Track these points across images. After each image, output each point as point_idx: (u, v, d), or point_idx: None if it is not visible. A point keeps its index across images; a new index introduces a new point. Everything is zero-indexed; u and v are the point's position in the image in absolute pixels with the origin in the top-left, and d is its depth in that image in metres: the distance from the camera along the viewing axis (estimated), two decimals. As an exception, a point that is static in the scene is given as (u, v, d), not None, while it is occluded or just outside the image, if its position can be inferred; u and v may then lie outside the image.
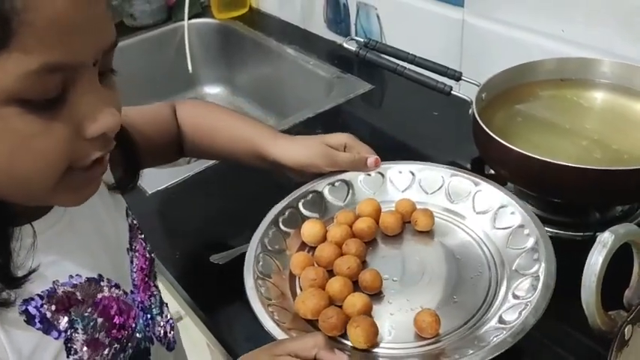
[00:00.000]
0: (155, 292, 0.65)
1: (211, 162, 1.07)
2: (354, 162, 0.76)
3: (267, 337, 0.59)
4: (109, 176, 0.62)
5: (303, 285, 0.65)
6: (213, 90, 1.62)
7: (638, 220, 0.78)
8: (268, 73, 1.50)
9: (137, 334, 0.57)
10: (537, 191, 0.76)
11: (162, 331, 0.64)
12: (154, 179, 1.06)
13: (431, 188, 0.76)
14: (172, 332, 0.67)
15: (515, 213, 0.69)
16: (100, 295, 0.52)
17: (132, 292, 0.59)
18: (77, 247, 0.52)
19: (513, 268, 0.64)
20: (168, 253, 0.89)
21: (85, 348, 0.50)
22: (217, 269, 0.79)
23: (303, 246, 0.73)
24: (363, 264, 0.69)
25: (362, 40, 0.92)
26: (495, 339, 0.55)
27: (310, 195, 0.76)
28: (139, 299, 0.60)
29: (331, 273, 0.67)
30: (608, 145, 0.77)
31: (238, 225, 0.90)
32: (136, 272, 0.61)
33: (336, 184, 0.77)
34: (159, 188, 1.04)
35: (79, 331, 0.50)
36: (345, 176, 0.77)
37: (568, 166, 0.67)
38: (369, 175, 0.77)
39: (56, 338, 0.48)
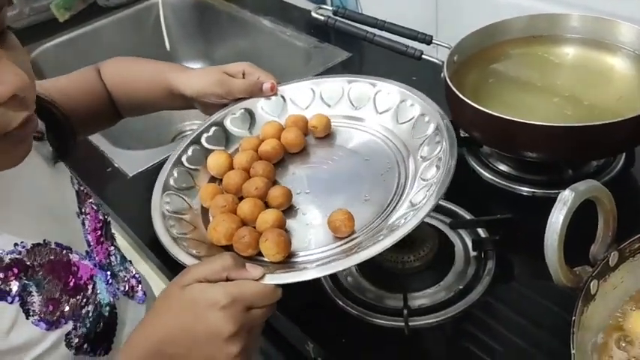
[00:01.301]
0: (113, 252, 0.67)
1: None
2: (250, 87, 0.76)
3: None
4: (46, 150, 0.63)
5: (214, 214, 0.64)
6: (192, 66, 1.59)
7: (612, 175, 0.78)
8: (246, 45, 1.49)
9: (97, 291, 0.59)
10: (510, 151, 0.76)
11: (126, 286, 0.67)
12: (134, 162, 1.06)
13: (332, 100, 0.76)
14: (140, 286, 0.70)
15: (414, 104, 0.70)
16: (48, 258, 0.54)
17: (87, 252, 0.61)
18: (17, 216, 0.54)
19: (419, 157, 0.66)
20: (153, 236, 0.90)
21: (43, 308, 0.52)
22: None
23: (212, 180, 0.71)
24: (273, 185, 0.68)
25: (331, 8, 0.90)
26: (405, 220, 0.56)
27: (212, 129, 0.75)
28: (97, 259, 0.63)
29: (241, 199, 0.65)
30: (579, 101, 0.77)
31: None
32: (90, 234, 0.63)
33: (237, 113, 0.76)
34: (139, 170, 1.04)
35: (34, 293, 0.51)
36: (246, 104, 0.77)
37: (537, 124, 0.67)
38: (269, 99, 0.77)
39: (11, 303, 0.50)
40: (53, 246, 0.56)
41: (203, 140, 0.74)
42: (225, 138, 0.75)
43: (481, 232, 0.73)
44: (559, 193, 0.74)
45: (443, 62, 0.79)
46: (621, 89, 0.79)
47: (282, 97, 0.78)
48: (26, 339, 0.50)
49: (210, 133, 0.74)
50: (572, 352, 0.44)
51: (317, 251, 0.60)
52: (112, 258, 0.67)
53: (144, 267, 1.00)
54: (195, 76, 0.77)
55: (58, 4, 1.51)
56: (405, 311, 0.63)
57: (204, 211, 0.67)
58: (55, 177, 0.63)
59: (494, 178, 0.81)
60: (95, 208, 0.68)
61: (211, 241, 0.61)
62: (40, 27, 1.52)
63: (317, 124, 0.73)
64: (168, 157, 1.04)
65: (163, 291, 0.53)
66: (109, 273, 0.64)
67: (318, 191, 0.67)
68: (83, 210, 0.65)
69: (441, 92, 0.81)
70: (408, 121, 0.70)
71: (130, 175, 1.04)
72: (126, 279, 0.68)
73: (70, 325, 0.55)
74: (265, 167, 0.68)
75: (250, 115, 0.77)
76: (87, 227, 0.64)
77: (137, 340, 0.51)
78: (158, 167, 1.03)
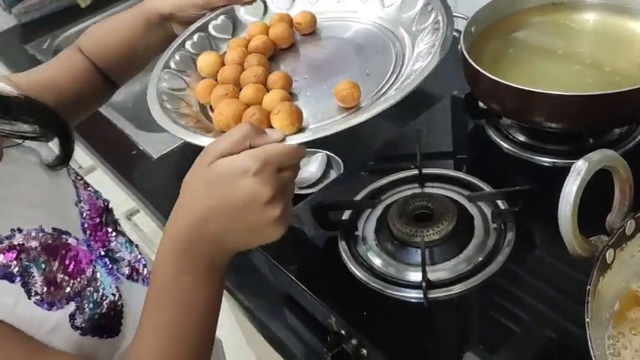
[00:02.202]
0: (113, 237, 0.68)
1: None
2: None
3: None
4: (43, 153, 0.64)
5: (216, 103, 0.61)
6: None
7: (635, 142, 0.77)
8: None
9: (97, 275, 0.61)
10: (529, 122, 0.76)
11: (130, 270, 0.68)
12: (159, 144, 1.08)
13: None
14: (146, 269, 0.71)
15: None
16: (46, 242, 0.56)
17: (84, 239, 0.63)
18: (13, 207, 0.55)
19: (414, 29, 0.65)
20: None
21: (44, 288, 0.53)
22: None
23: None
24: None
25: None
26: (411, 79, 0.56)
27: (196, 35, 0.73)
28: (96, 246, 0.64)
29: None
30: (600, 68, 0.76)
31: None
32: (88, 221, 0.65)
33: (219, 19, 0.75)
34: (164, 152, 1.06)
35: (35, 274, 0.53)
36: (226, 10, 0.75)
37: (556, 94, 0.66)
38: (250, 5, 0.75)
39: (12, 282, 0.51)
40: (50, 231, 0.57)
41: (188, 46, 0.72)
42: (210, 44, 0.74)
43: (500, 203, 0.73)
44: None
45: (458, 34, 0.78)
46: (643, 55, 0.77)
47: (263, 1, 0.77)
48: (29, 319, 0.52)
49: (195, 39, 0.73)
50: (587, 320, 0.44)
51: (327, 122, 0.58)
52: (113, 243, 0.68)
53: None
54: None
55: (81, -10, 1.53)
56: (424, 284, 0.64)
57: (202, 109, 0.65)
58: (52, 172, 0.64)
59: (515, 150, 0.80)
60: (94, 195, 0.69)
61: (218, 128, 0.59)
62: (63, 13, 1.55)
63: (301, 21, 0.72)
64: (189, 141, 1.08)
65: (187, 178, 0.51)
66: (107, 260, 0.65)
67: (317, 75, 0.66)
68: (81, 198, 0.66)
69: (460, 64, 0.81)
70: (394, 2, 0.69)
71: (155, 157, 1.06)
72: (130, 263, 0.69)
73: (72, 306, 0.56)
74: (260, 59, 0.66)
75: (233, 19, 0.76)
76: (85, 215, 0.65)
77: (173, 232, 0.50)
78: (183, 148, 1.07)
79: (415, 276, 0.67)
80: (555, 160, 0.77)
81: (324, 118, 0.59)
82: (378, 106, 0.54)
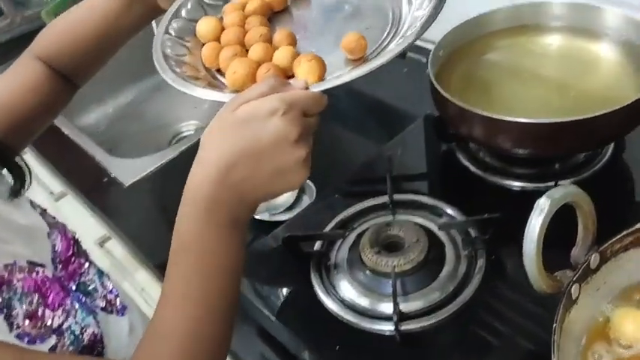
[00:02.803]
0: (85, 269, 0.67)
1: (184, 148, 1.08)
2: None
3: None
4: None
5: (225, 65, 0.61)
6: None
7: (602, 164, 0.78)
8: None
9: (75, 307, 0.60)
10: (497, 148, 0.76)
11: (104, 302, 0.67)
12: (131, 170, 1.07)
13: None
14: (118, 299, 0.70)
15: None
16: (24, 275, 0.55)
17: (56, 272, 0.62)
18: None
19: None
20: (150, 245, 0.91)
21: (26, 322, 0.52)
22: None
23: None
24: None
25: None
26: (415, 27, 0.57)
27: (190, 3, 0.72)
28: (67, 278, 0.64)
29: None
30: (566, 92, 0.76)
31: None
32: (60, 254, 0.64)
33: None
34: (136, 179, 1.05)
35: (17, 307, 0.52)
36: None
37: (522, 122, 0.67)
38: None
39: None
40: (25, 264, 0.56)
41: (184, 14, 0.71)
42: (204, 11, 0.72)
43: (471, 230, 0.73)
44: (548, 187, 0.76)
45: (424, 59, 0.78)
46: (608, 77, 0.78)
47: None
48: None
49: (189, 6, 0.72)
50: (553, 359, 0.44)
51: (340, 73, 0.58)
52: (85, 276, 0.67)
53: (144, 276, 1.02)
54: None
55: (49, 12, 1.51)
56: (396, 317, 0.64)
57: (210, 73, 0.65)
58: (17, 203, 0.64)
59: (484, 174, 0.81)
60: (63, 228, 0.68)
61: (232, 88, 0.58)
62: (33, 35, 1.52)
63: None
64: (165, 163, 1.07)
65: (208, 130, 0.50)
66: (79, 294, 0.64)
67: (318, 33, 0.66)
68: (51, 231, 0.65)
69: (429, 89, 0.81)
70: None
71: (127, 184, 1.05)
72: (103, 294, 0.69)
73: (53, 340, 0.55)
74: (261, 20, 0.66)
75: None
76: (57, 248, 0.65)
77: (195, 188, 0.48)
78: (154, 175, 1.06)
79: (388, 307, 0.67)
80: (524, 184, 0.78)
81: (334, 71, 0.59)
82: (388, 53, 0.55)
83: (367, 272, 0.71)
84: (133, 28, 0.73)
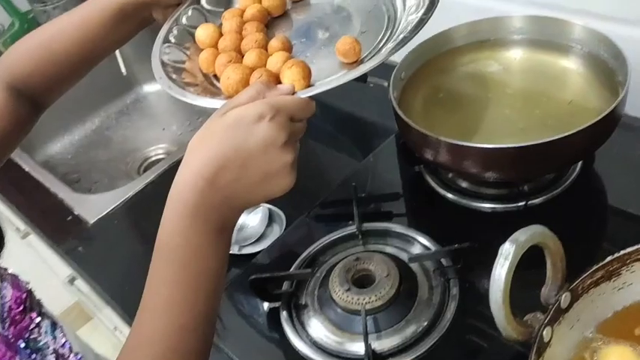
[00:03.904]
0: (36, 323, 0.64)
1: (150, 178, 1.05)
2: None
3: None
4: None
5: (220, 71, 0.61)
6: (152, 87, 1.57)
7: (570, 180, 0.76)
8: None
9: None
10: (462, 173, 0.75)
11: (55, 357, 0.64)
12: (96, 206, 1.04)
13: None
14: (72, 354, 0.67)
15: None
16: None
17: (3, 330, 0.59)
18: None
19: (407, 2, 0.65)
20: (118, 286, 0.88)
21: None
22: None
23: None
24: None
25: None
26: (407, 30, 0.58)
27: (190, 10, 0.71)
28: (15, 336, 0.60)
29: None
30: (531, 111, 0.75)
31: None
32: (7, 310, 0.61)
33: None
34: (100, 216, 1.02)
35: None
36: None
37: (485, 147, 0.65)
38: None
39: None
40: None
41: (184, 20, 0.71)
42: (204, 18, 0.72)
43: (443, 260, 0.71)
44: (518, 206, 0.74)
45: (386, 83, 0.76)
46: (572, 91, 0.76)
47: None
48: None
49: (189, 13, 0.71)
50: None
51: (331, 78, 0.58)
52: (35, 332, 0.63)
53: (116, 317, 0.99)
54: None
55: (6, 41, 1.48)
56: (367, 358, 0.62)
57: (207, 80, 0.65)
58: None
59: (454, 196, 0.79)
60: (16, 280, 0.64)
61: (226, 94, 0.58)
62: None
63: None
64: (130, 197, 1.04)
65: (196, 137, 0.49)
66: (29, 351, 0.61)
67: (314, 38, 0.66)
68: (3, 284, 0.62)
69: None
70: None
71: (91, 222, 1.01)
72: (54, 349, 0.65)
73: None
74: (258, 26, 0.66)
75: None
76: (6, 303, 0.61)
77: (180, 194, 0.47)
78: (119, 211, 1.02)
79: (361, 347, 0.65)
80: (494, 206, 0.76)
81: (328, 76, 0.59)
82: (380, 56, 0.56)
83: (338, 310, 0.68)
84: (123, 40, 0.72)
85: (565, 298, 0.49)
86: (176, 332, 0.47)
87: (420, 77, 0.81)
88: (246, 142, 0.47)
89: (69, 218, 1.04)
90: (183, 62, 0.66)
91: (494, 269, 0.46)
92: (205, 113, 1.50)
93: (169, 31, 0.69)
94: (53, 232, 1.04)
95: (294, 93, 0.53)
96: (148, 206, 1.01)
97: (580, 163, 0.78)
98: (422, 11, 0.60)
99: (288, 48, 0.63)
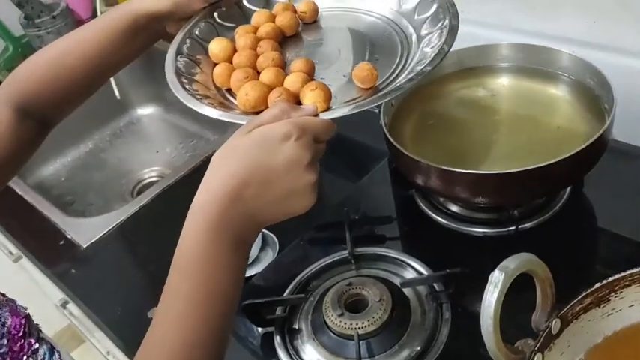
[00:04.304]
0: (34, 349, 0.63)
1: (143, 202, 1.05)
2: None
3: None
4: None
5: (237, 86, 0.62)
6: (145, 110, 1.58)
7: (561, 204, 0.78)
8: (196, 85, 1.47)
9: None
10: (452, 198, 0.76)
11: None
12: (89, 230, 1.04)
13: None
14: None
15: None
16: None
17: (2, 353, 0.58)
18: None
19: (416, 18, 0.67)
20: (110, 310, 0.88)
21: None
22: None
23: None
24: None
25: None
26: (423, 64, 0.59)
27: (203, 23, 0.71)
28: (12, 358, 0.60)
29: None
30: (519, 137, 0.76)
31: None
32: (7, 332, 0.60)
33: (224, 7, 0.73)
34: (93, 240, 1.02)
35: None
36: (230, 5, 0.74)
37: (473, 174, 0.66)
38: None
39: None
40: None
41: (197, 33, 0.70)
42: (216, 32, 0.72)
43: (435, 284, 0.72)
44: (509, 230, 0.75)
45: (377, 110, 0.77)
46: (559, 117, 0.78)
47: None
48: None
49: (202, 26, 0.71)
50: None
51: (354, 104, 0.58)
52: (34, 357, 0.62)
53: (108, 341, 0.98)
54: None
55: (-1, 66, 1.48)
56: (361, 386, 0.62)
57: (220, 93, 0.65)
58: None
59: (444, 220, 0.80)
60: (14, 305, 0.64)
61: (243, 110, 0.59)
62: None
63: (306, 9, 0.71)
64: (123, 220, 1.04)
65: (220, 152, 0.50)
66: None
67: (327, 62, 0.67)
68: (2, 310, 0.61)
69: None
70: (414, 6, 0.69)
71: (84, 245, 1.01)
72: None
73: None
74: (273, 44, 0.67)
75: (239, 7, 0.75)
76: (7, 327, 0.60)
77: (204, 205, 0.48)
78: (112, 235, 1.02)
79: (354, 374, 0.65)
80: (485, 230, 0.77)
81: (343, 99, 0.60)
82: (402, 86, 0.57)
83: (332, 335, 0.69)
84: (135, 54, 0.72)
85: (555, 324, 0.50)
86: (187, 348, 0.47)
87: (411, 104, 0.83)
88: (271, 160, 0.48)
89: (62, 242, 1.04)
90: (195, 74, 0.66)
91: (484, 297, 0.46)
92: (198, 137, 1.51)
93: (182, 42, 0.69)
94: (46, 255, 1.04)
95: (316, 114, 0.54)
96: (140, 230, 1.01)
97: (569, 188, 0.79)
98: (441, 41, 0.61)
99: (311, 69, 0.64)
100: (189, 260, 0.48)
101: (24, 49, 1.51)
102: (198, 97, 0.61)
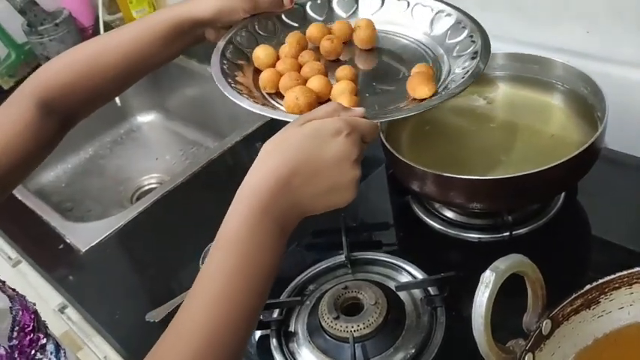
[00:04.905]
0: (41, 344, 0.63)
1: (143, 207, 1.06)
2: (273, 1, 0.74)
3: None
4: None
5: (286, 90, 0.64)
6: (146, 118, 1.59)
7: (555, 210, 0.79)
8: (197, 94, 1.48)
9: None
10: (447, 203, 0.77)
11: None
12: (88, 235, 1.04)
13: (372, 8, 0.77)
14: None
15: (451, 14, 0.72)
16: None
17: (12, 352, 0.58)
18: None
19: (454, 55, 0.70)
20: (109, 314, 0.88)
21: None
22: (156, 326, 0.79)
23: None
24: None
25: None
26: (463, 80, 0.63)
27: (244, 32, 0.73)
28: (20, 351, 0.60)
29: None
30: (513, 144, 0.77)
31: (173, 272, 0.90)
32: (18, 330, 0.60)
33: (263, 21, 0.75)
34: (92, 244, 1.02)
35: None
36: (269, 17, 0.75)
37: (467, 179, 0.68)
38: (289, 10, 0.76)
39: None
40: None
41: (238, 39, 0.72)
42: (256, 41, 0.73)
43: (430, 288, 0.72)
44: (504, 236, 0.76)
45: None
46: (553, 125, 0.79)
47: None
48: None
49: (243, 34, 0.73)
50: None
51: (399, 115, 0.62)
52: (42, 353, 0.62)
53: (106, 346, 0.99)
54: None
55: (2, 72, 1.49)
56: (357, 388, 0.63)
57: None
58: None
59: (440, 226, 0.81)
60: (24, 300, 0.65)
61: (289, 112, 0.62)
62: (-15, 97, 1.50)
63: (365, 37, 0.72)
64: (122, 225, 1.05)
65: (272, 141, 0.52)
66: None
67: (369, 75, 0.70)
68: (14, 304, 0.62)
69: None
70: (444, 30, 0.72)
71: (84, 250, 1.02)
72: None
73: None
74: (314, 55, 0.69)
75: (279, 20, 0.77)
76: (17, 322, 0.61)
77: (254, 189, 0.49)
78: (111, 240, 1.03)
79: (349, 376, 0.66)
80: (480, 236, 0.78)
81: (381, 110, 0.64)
82: (443, 96, 0.62)
83: (327, 338, 0.69)
84: (172, 56, 0.73)
85: (546, 325, 0.51)
86: (220, 329, 0.47)
87: (408, 111, 0.84)
88: (322, 152, 0.50)
89: (61, 246, 1.05)
90: (237, 76, 0.68)
91: (475, 296, 0.47)
92: (198, 144, 1.52)
93: (226, 47, 0.71)
94: (45, 260, 1.05)
95: (364, 117, 0.56)
96: (139, 235, 1.02)
97: (563, 195, 0.80)
98: (475, 61, 0.64)
99: (353, 73, 0.67)
100: (235, 239, 0.49)
101: (26, 56, 1.53)
102: (244, 95, 0.64)
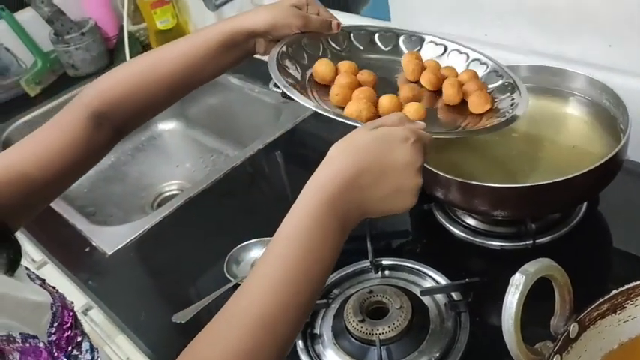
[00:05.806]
0: (78, 341, 0.64)
1: (167, 212, 1.08)
2: (323, 23, 0.76)
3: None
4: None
5: (350, 99, 0.67)
6: (167, 126, 1.62)
7: (577, 220, 0.80)
8: (218, 103, 1.51)
9: None
10: (471, 211, 0.78)
11: None
12: (113, 238, 1.06)
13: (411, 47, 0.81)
14: None
15: (486, 63, 0.77)
16: (18, 346, 0.52)
17: (49, 345, 0.59)
18: None
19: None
20: (134, 315, 0.90)
21: None
22: (181, 328, 0.81)
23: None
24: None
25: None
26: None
27: (294, 45, 0.75)
28: (58, 346, 0.61)
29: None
30: (534, 154, 0.79)
31: (195, 277, 0.92)
32: (57, 325, 0.61)
33: (310, 40, 0.77)
34: (117, 248, 1.04)
35: None
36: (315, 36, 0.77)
37: (492, 187, 0.69)
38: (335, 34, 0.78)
39: None
40: (19, 336, 0.54)
41: (290, 51, 0.74)
42: (305, 53, 0.76)
43: (454, 293, 0.74)
44: (526, 244, 0.77)
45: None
46: (576, 136, 0.81)
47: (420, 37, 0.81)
48: None
49: (293, 47, 0.74)
50: None
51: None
52: (77, 349, 0.65)
53: (128, 347, 1.01)
54: (264, 10, 0.74)
55: (28, 80, 1.53)
56: (382, 389, 0.64)
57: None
58: (19, 276, 0.61)
59: (463, 233, 0.82)
60: (64, 298, 0.67)
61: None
62: (12, 104, 1.53)
63: (450, 94, 0.73)
64: (146, 230, 1.07)
65: (343, 139, 0.54)
66: None
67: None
68: (55, 301, 0.63)
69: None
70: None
71: (109, 253, 1.04)
72: None
73: None
74: (371, 74, 0.72)
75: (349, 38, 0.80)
76: (57, 318, 0.61)
77: (321, 186, 0.51)
78: (135, 242, 1.05)
79: (375, 378, 0.67)
80: (503, 244, 0.79)
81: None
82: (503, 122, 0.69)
83: (353, 340, 0.71)
84: (225, 68, 0.75)
85: (573, 328, 0.52)
86: (275, 311, 0.48)
87: (432, 120, 0.86)
88: (390, 156, 0.53)
89: (87, 249, 1.07)
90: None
91: (505, 298, 0.49)
92: (218, 152, 1.54)
93: (280, 56, 0.72)
94: (71, 262, 1.07)
95: (425, 130, 0.59)
96: (162, 240, 1.04)
97: (585, 205, 0.81)
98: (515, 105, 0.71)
99: (419, 97, 0.71)
100: (298, 230, 0.50)
101: (52, 64, 1.57)
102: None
